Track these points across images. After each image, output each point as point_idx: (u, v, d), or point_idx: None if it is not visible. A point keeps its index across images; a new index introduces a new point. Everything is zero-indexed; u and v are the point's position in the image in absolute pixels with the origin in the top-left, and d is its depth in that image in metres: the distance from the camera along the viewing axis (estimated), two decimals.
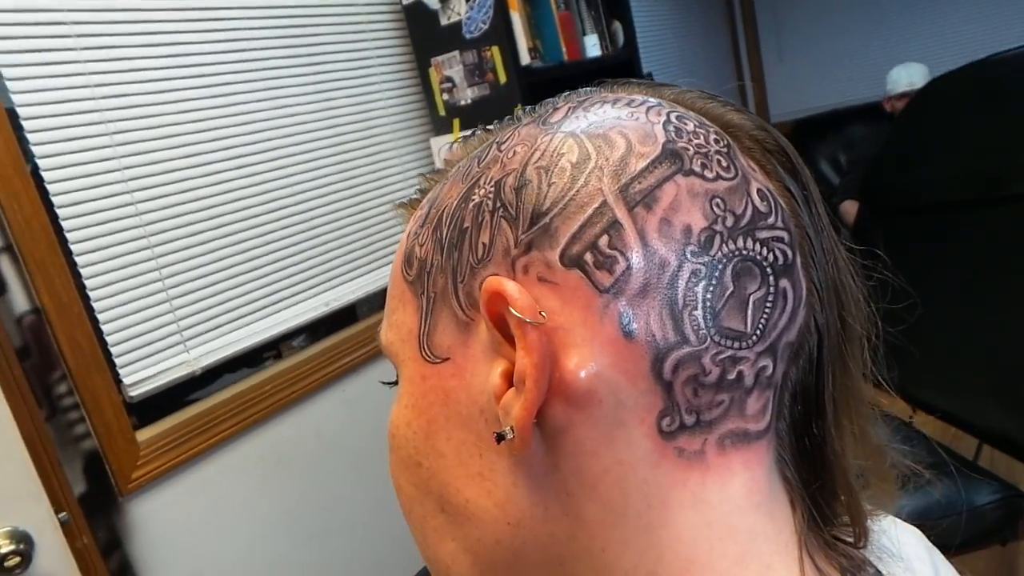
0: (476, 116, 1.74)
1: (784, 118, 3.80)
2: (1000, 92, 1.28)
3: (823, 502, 0.30)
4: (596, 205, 0.27)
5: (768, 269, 0.27)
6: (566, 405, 0.26)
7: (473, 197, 0.30)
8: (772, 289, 0.27)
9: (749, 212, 0.27)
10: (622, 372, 0.26)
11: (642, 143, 0.28)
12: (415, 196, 0.38)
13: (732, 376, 0.27)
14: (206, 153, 1.37)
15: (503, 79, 1.70)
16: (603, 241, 0.26)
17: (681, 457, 0.27)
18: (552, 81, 1.94)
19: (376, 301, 1.77)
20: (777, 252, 0.27)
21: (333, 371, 1.56)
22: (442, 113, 1.80)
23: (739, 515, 0.27)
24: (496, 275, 0.28)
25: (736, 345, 0.27)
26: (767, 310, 0.27)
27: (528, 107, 0.35)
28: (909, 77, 2.58)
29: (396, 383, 0.34)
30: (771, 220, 0.28)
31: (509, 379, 0.27)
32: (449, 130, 1.79)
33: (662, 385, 0.26)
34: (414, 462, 0.31)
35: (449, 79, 1.77)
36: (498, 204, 0.28)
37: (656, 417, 0.26)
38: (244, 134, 1.44)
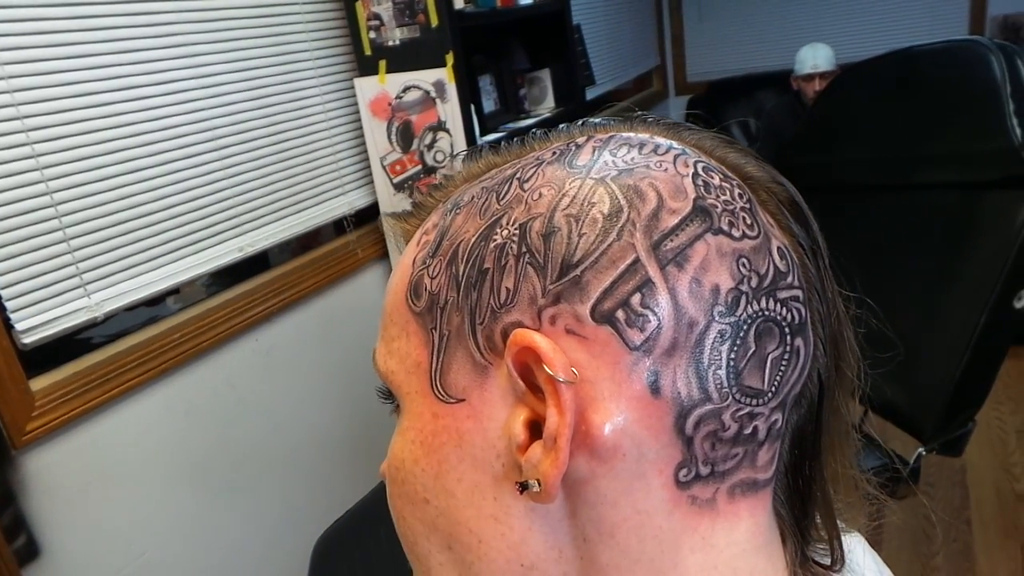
0: (404, 58, 1.68)
1: (700, 78, 3.88)
2: (912, 84, 1.35)
3: (806, 532, 0.32)
4: (629, 261, 0.26)
5: (786, 328, 0.28)
6: (590, 458, 0.27)
7: (495, 237, 0.29)
8: (788, 348, 0.28)
9: (771, 272, 0.28)
10: (646, 428, 0.26)
11: (673, 198, 0.28)
12: (407, 210, 0.37)
13: (748, 431, 0.28)
14: (106, 92, 1.26)
15: (435, 22, 1.64)
16: (635, 299, 0.26)
17: (693, 505, 0.28)
18: (484, 28, 1.89)
19: (293, 248, 1.71)
20: (794, 311, 0.28)
21: (246, 319, 1.50)
22: (368, 52, 1.71)
23: (742, 557, 0.29)
24: (521, 324, 0.27)
25: (754, 402, 0.27)
26: (782, 368, 0.28)
27: (539, 132, 0.35)
28: (814, 59, 2.68)
29: (392, 403, 0.34)
30: (789, 279, 0.29)
31: (531, 428, 0.27)
32: (375, 71, 1.72)
33: (683, 440, 0.27)
34: (421, 499, 0.31)
35: (377, 16, 1.68)
36: (523, 249, 0.28)
37: (674, 469, 0.27)
38: (148, 72, 1.32)
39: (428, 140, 1.71)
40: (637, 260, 0.26)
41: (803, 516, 0.32)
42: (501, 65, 2.08)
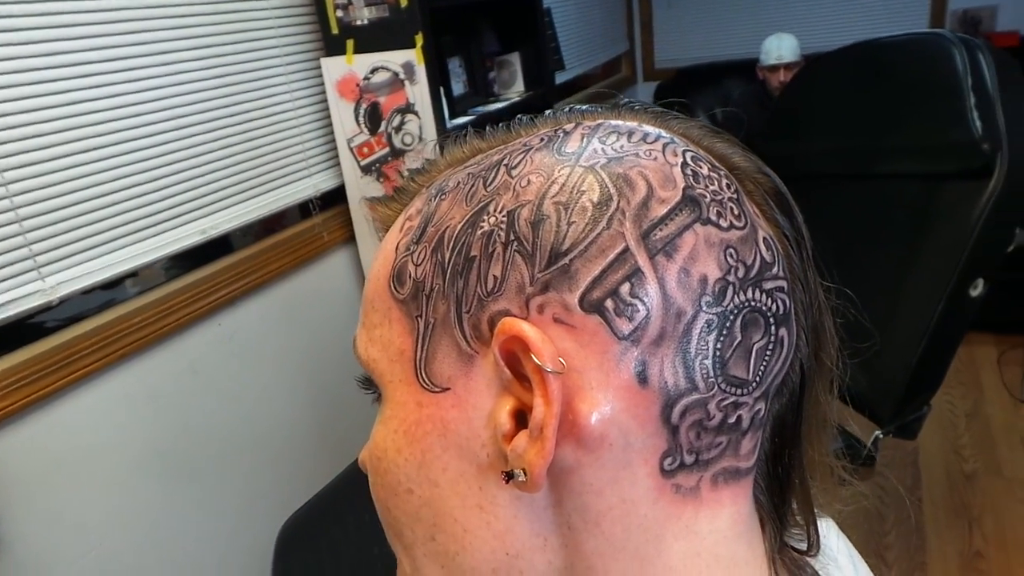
0: (372, 39, 1.65)
1: (668, 65, 3.90)
2: (876, 76, 1.38)
3: (784, 518, 0.33)
4: (618, 250, 0.26)
5: (771, 319, 0.28)
6: (576, 447, 0.27)
7: (482, 224, 0.28)
8: (773, 338, 0.28)
9: (758, 263, 0.28)
10: (633, 417, 0.26)
11: (662, 187, 0.28)
12: (387, 195, 0.36)
13: (732, 420, 0.28)
14: (58, 68, 1.21)
15: (404, 2, 1.61)
16: (624, 288, 0.26)
17: (677, 493, 0.28)
18: (454, 9, 1.87)
19: (256, 231, 1.67)
20: (779, 302, 0.29)
21: (209, 304, 1.47)
22: (335, 32, 1.67)
23: (724, 544, 0.29)
24: (509, 313, 0.27)
25: (739, 392, 0.28)
26: (767, 358, 0.28)
27: (525, 117, 0.34)
28: (779, 50, 2.70)
29: (374, 393, 0.33)
30: (775, 270, 0.29)
31: (517, 417, 0.27)
32: (342, 51, 1.68)
33: (669, 429, 0.27)
34: (404, 488, 0.30)
35: None
36: (511, 237, 0.27)
37: (660, 458, 0.27)
38: (101, 48, 1.27)
39: (396, 122, 1.69)
40: (627, 249, 0.26)
41: (781, 503, 0.32)
42: (470, 47, 2.06)
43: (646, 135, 0.30)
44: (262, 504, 1.57)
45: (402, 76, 1.65)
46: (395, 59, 1.64)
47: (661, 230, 0.27)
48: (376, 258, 0.34)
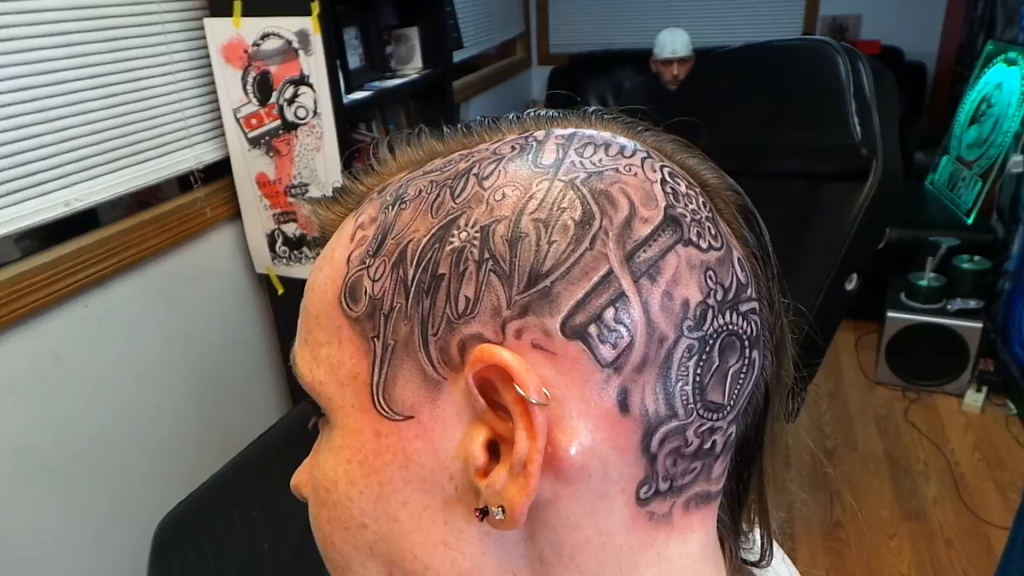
0: (262, 1, 1.54)
1: (562, 50, 3.93)
2: (768, 77, 1.44)
3: (739, 535, 0.33)
4: (602, 273, 0.25)
5: (746, 341, 0.28)
6: (554, 480, 0.25)
7: (451, 240, 0.26)
8: (747, 361, 0.28)
9: (735, 285, 0.27)
10: (614, 447, 0.25)
11: (644, 205, 0.26)
12: (328, 195, 0.33)
13: (708, 445, 0.27)
14: None
15: None
16: (609, 313, 0.25)
17: (651, 520, 0.27)
18: None
19: (128, 204, 1.53)
20: (753, 324, 0.28)
21: (74, 283, 1.33)
22: None
23: (693, 568, 0.29)
24: (482, 337, 0.25)
25: (715, 417, 0.27)
26: (740, 381, 0.28)
27: (486, 119, 0.32)
28: (673, 44, 2.78)
29: (319, 415, 0.30)
30: (749, 292, 0.28)
31: (490, 449, 0.25)
32: (228, 12, 1.56)
33: (648, 457, 0.26)
34: (357, 523, 0.28)
35: None
36: (486, 255, 0.25)
37: (636, 486, 0.26)
38: None
39: (289, 94, 1.59)
40: (611, 272, 0.25)
41: (738, 520, 0.32)
42: (367, 18, 1.97)
43: (623, 148, 0.28)
44: (135, 502, 1.46)
45: (296, 45, 1.55)
46: (288, 26, 1.54)
47: (645, 251, 0.25)
48: (319, 267, 0.30)
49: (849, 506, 1.95)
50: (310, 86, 1.57)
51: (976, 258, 2.40)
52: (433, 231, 0.26)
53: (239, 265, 1.76)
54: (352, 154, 1.72)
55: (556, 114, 0.31)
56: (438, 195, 0.27)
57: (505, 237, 0.25)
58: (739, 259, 0.28)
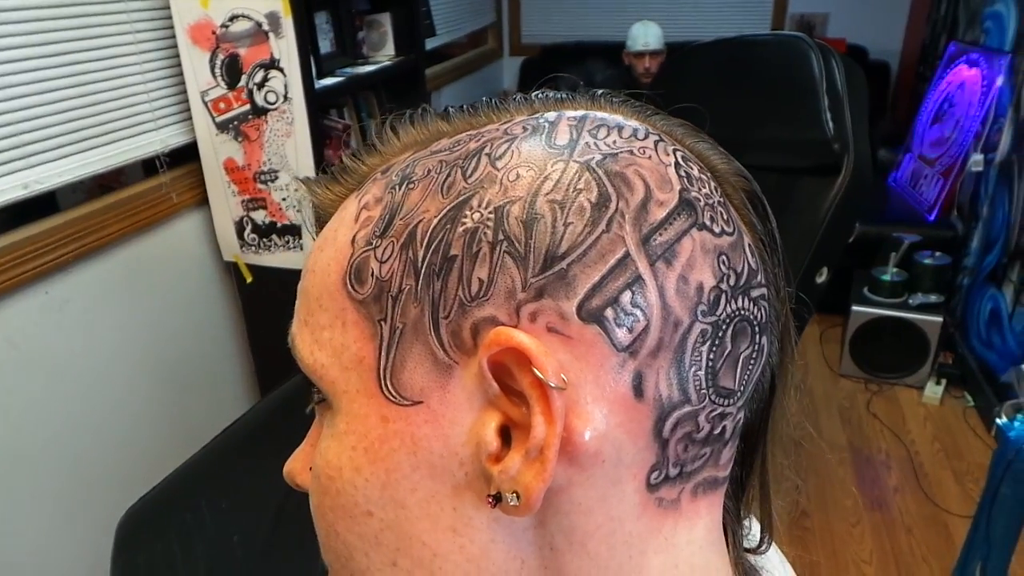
0: None
1: (533, 40, 3.92)
2: (743, 72, 1.45)
3: (741, 521, 0.33)
4: (619, 256, 0.25)
5: (756, 327, 0.28)
6: (568, 465, 0.25)
7: (464, 220, 0.25)
8: (756, 347, 0.28)
9: (746, 270, 0.27)
10: (627, 432, 0.25)
11: (660, 188, 0.26)
12: (326, 175, 0.32)
13: (718, 431, 0.27)
14: None
15: None
16: (625, 297, 0.24)
17: (660, 506, 0.27)
18: None
19: (90, 188, 1.48)
20: (763, 309, 0.28)
21: (33, 269, 1.29)
22: None
23: (700, 554, 0.28)
24: (496, 320, 0.24)
25: (726, 403, 0.27)
26: (750, 367, 0.28)
27: (492, 100, 0.31)
28: (646, 37, 2.79)
29: (319, 399, 0.29)
30: (759, 278, 0.28)
31: (503, 434, 0.25)
32: None
33: (659, 442, 0.26)
34: (363, 511, 0.27)
35: None
36: (500, 236, 0.25)
37: (647, 472, 0.26)
38: None
39: (259, 78, 1.55)
40: (627, 255, 0.25)
41: (740, 506, 0.32)
42: (339, 3, 1.94)
43: (636, 131, 0.28)
44: (97, 494, 1.42)
45: (266, 27, 1.52)
46: (258, 7, 1.50)
47: (661, 235, 0.25)
48: (320, 248, 0.29)
49: (815, 495, 1.99)
50: (280, 70, 1.54)
51: (937, 254, 2.46)
52: (444, 211, 0.26)
53: (206, 252, 1.72)
54: (324, 141, 1.69)
55: (565, 95, 0.31)
56: (448, 175, 0.27)
57: (520, 218, 0.25)
58: (750, 245, 0.28)
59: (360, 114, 1.93)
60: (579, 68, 3.60)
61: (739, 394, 0.27)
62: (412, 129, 0.31)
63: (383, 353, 0.26)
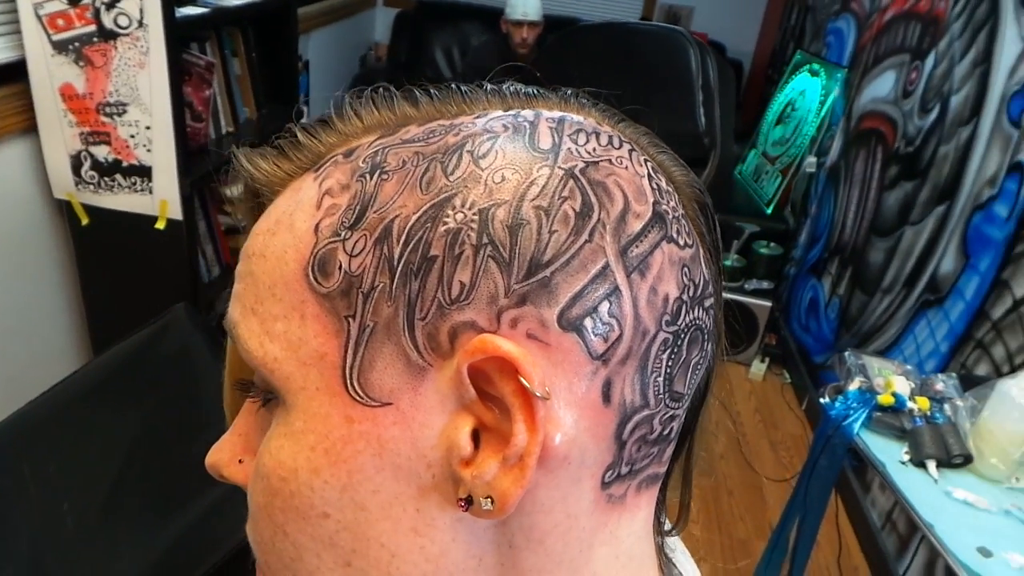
0: None
1: None
2: (625, 58, 1.49)
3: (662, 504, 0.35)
4: (599, 266, 0.25)
5: (706, 335, 0.29)
6: (537, 467, 0.25)
7: (446, 220, 0.25)
8: (704, 352, 0.29)
9: (702, 281, 0.29)
10: (592, 435, 0.26)
11: (636, 200, 0.27)
12: (265, 147, 0.29)
13: (667, 432, 0.29)
14: None
15: None
16: (604, 307, 0.25)
17: (609, 502, 0.28)
18: None
19: None
20: (712, 318, 0.29)
21: None
22: None
23: (638, 545, 0.30)
24: (476, 325, 0.24)
25: (676, 406, 0.28)
26: (697, 372, 0.29)
27: (463, 87, 0.30)
28: (524, 7, 2.78)
29: (268, 397, 0.28)
30: (711, 288, 0.29)
31: (476, 439, 0.25)
32: None
33: (618, 444, 0.27)
34: (318, 513, 0.26)
35: None
36: (484, 240, 0.24)
37: (603, 471, 0.27)
38: None
39: None
40: (607, 266, 0.25)
41: (664, 493, 0.34)
42: None
43: (611, 139, 0.28)
44: None
45: None
46: None
47: (637, 247, 0.26)
48: (272, 232, 0.27)
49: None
50: None
51: (771, 244, 2.70)
52: (424, 209, 0.25)
53: (33, 188, 1.53)
54: (183, 77, 1.54)
55: (535, 92, 0.31)
56: (427, 169, 0.26)
57: (505, 223, 0.25)
58: (704, 256, 0.30)
59: (224, 52, 1.78)
60: (455, 28, 3.55)
61: (687, 397, 0.29)
62: (375, 111, 0.29)
63: (350, 352, 0.25)
